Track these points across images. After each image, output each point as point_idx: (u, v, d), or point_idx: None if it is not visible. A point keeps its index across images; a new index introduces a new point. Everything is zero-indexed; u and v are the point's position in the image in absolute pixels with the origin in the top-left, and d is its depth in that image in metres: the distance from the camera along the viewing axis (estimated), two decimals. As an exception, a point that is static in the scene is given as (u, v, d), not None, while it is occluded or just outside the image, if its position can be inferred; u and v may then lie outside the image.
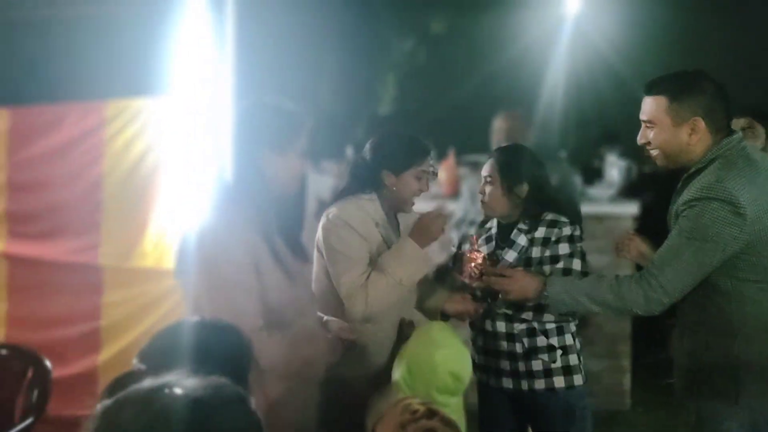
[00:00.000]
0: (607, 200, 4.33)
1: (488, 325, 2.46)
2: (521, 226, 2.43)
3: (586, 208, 4.37)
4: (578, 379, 2.44)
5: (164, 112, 3.62)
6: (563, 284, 2.21)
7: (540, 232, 2.40)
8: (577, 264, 2.38)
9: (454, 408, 2.00)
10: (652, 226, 4.63)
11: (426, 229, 2.27)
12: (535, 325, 2.39)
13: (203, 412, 0.95)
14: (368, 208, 2.32)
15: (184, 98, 3.58)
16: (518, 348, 2.41)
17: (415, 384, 2.00)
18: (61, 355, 3.45)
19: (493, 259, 2.41)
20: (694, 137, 2.07)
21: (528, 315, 2.39)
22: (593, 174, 4.69)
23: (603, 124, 6.47)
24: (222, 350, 1.41)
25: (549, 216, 2.42)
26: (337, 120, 8.08)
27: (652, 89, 2.11)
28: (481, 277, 2.32)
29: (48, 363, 2.74)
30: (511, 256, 2.42)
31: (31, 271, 3.66)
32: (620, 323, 4.35)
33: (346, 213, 2.29)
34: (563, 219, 2.41)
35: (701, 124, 2.06)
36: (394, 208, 2.40)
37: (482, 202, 2.48)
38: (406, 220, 2.45)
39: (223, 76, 3.74)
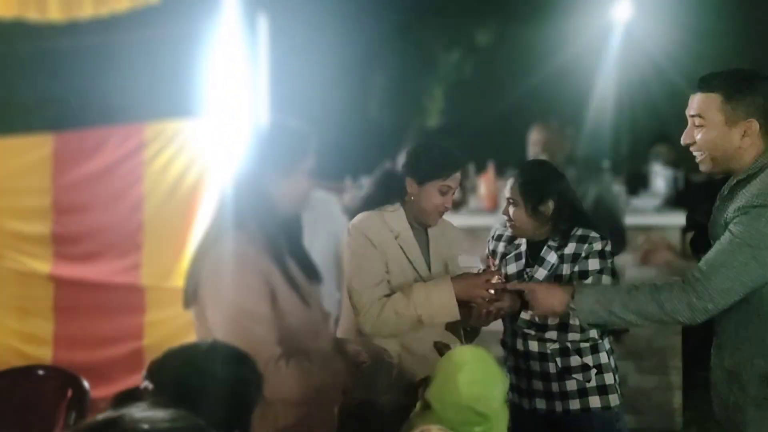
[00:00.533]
0: (653, 210, 4.19)
1: (519, 345, 2.40)
2: (551, 243, 2.36)
3: (631, 219, 4.25)
4: (614, 399, 2.36)
5: (201, 134, 3.68)
6: (594, 294, 2.07)
7: (570, 248, 2.34)
8: (606, 280, 2.31)
9: None
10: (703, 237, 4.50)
11: (472, 286, 2.22)
12: (569, 344, 2.32)
13: None
14: (389, 218, 2.31)
15: (220, 120, 3.63)
16: (551, 368, 2.34)
17: (444, 409, 1.94)
18: (105, 375, 3.52)
19: (517, 278, 2.35)
20: (746, 140, 1.95)
21: (552, 334, 2.32)
22: (640, 183, 4.54)
23: (656, 131, 6.28)
24: (229, 377, 1.40)
25: (579, 231, 2.35)
26: (384, 134, 8.10)
27: (705, 85, 1.98)
28: (495, 298, 2.25)
29: (86, 384, 2.79)
30: (541, 274, 2.35)
31: (77, 292, 3.75)
32: (670, 338, 4.19)
33: (364, 224, 2.29)
34: (593, 234, 2.34)
35: (755, 126, 1.94)
36: (418, 220, 2.35)
37: (509, 223, 2.41)
38: (444, 231, 2.42)
39: (259, 97, 3.79)
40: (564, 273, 2.33)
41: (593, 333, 2.33)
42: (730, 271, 1.90)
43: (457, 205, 4.15)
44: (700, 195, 4.66)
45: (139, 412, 0.95)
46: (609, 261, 2.34)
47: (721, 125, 1.95)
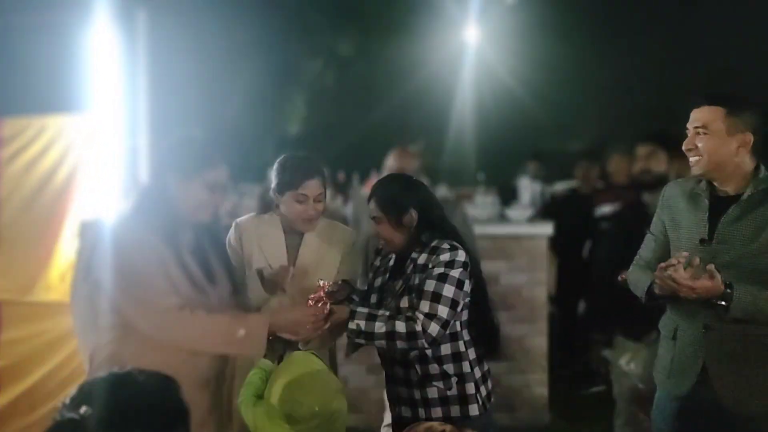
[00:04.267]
0: (524, 221, 4.43)
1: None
2: (413, 254, 2.34)
3: (504, 229, 4.47)
4: (474, 410, 2.31)
5: (72, 131, 3.39)
6: (749, 288, 2.18)
7: (422, 259, 2.30)
8: (448, 290, 2.22)
9: None
10: (566, 245, 4.84)
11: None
12: (428, 351, 2.29)
13: None
14: (262, 221, 2.55)
15: (91, 116, 3.37)
16: (413, 375, 2.32)
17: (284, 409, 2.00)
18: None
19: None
20: (741, 150, 2.21)
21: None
22: (511, 195, 4.80)
23: (512, 146, 6.67)
24: (166, 399, 1.33)
25: (435, 242, 2.30)
26: (247, 139, 7.92)
27: (710, 99, 2.24)
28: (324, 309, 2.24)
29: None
30: (399, 285, 2.34)
31: None
32: (536, 339, 4.44)
33: (234, 226, 2.55)
34: (444, 245, 2.28)
35: (750, 138, 2.20)
36: (292, 226, 2.51)
37: (380, 241, 2.43)
38: (329, 234, 2.56)
39: (130, 95, 3.56)
40: (414, 283, 2.28)
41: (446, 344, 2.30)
42: None
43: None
44: (563, 207, 5.05)
45: None
46: (455, 270, 2.24)
47: (722, 134, 2.20)
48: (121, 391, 1.28)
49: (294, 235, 2.52)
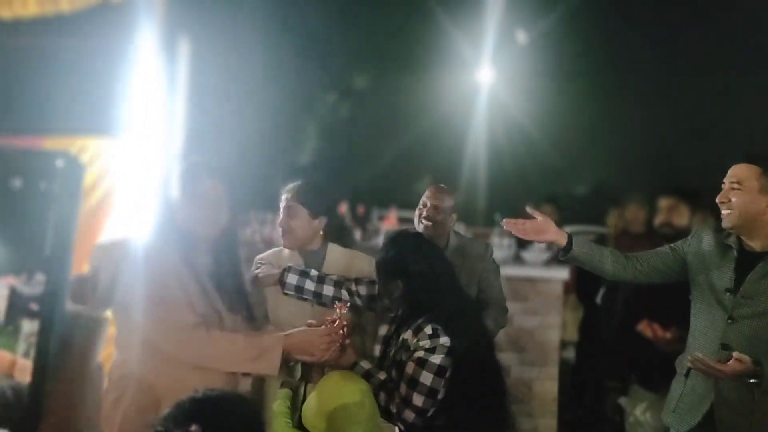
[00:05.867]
0: (541, 264, 4.48)
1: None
2: (402, 329, 2.33)
3: (520, 271, 4.52)
4: None
5: (108, 154, 3.46)
6: None
7: (407, 335, 2.29)
8: (425, 377, 2.18)
9: None
10: (583, 290, 4.86)
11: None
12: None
13: None
14: (282, 256, 2.72)
15: (130, 139, 3.44)
16: None
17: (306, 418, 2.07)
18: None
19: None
20: None
21: None
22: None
23: (524, 187, 6.74)
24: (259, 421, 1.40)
25: (420, 321, 2.27)
26: (260, 169, 7.98)
27: (748, 157, 2.39)
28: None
29: None
30: (391, 351, 2.37)
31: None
32: (546, 383, 4.46)
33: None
34: (428, 329, 2.23)
35: None
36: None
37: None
38: (348, 260, 2.71)
39: (167, 119, 3.63)
40: (401, 359, 2.27)
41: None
42: None
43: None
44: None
45: None
46: (435, 356, 2.19)
47: (755, 191, 2.36)
48: (229, 410, 1.32)
49: (313, 262, 2.67)
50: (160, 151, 3.40)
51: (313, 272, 2.57)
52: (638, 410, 3.36)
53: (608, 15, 8.51)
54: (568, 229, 5.97)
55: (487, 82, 9.50)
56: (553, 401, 4.41)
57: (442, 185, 3.07)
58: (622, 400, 3.46)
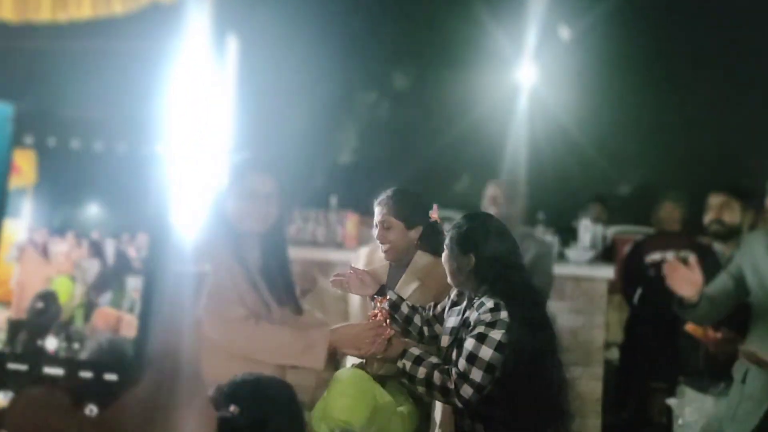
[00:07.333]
0: (585, 262, 4.44)
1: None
2: (467, 308, 2.33)
3: (564, 269, 4.48)
4: None
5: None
6: None
7: (469, 313, 2.29)
8: (484, 352, 2.16)
9: None
10: (629, 290, 4.80)
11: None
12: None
13: None
14: (368, 252, 2.87)
15: (178, 144, 3.51)
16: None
17: (317, 420, 2.12)
18: None
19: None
20: None
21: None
22: (570, 235, 4.81)
23: (566, 186, 6.68)
24: (294, 406, 1.44)
25: (483, 297, 2.26)
26: (303, 167, 8.07)
27: None
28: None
29: None
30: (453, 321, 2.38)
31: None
32: (590, 383, 4.41)
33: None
34: (489, 303, 2.23)
35: None
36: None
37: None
38: (429, 267, 2.68)
39: (222, 121, 3.70)
40: (462, 336, 2.27)
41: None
42: None
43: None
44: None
45: None
46: (495, 331, 2.18)
47: None
48: (267, 393, 1.36)
49: (398, 268, 2.69)
50: (211, 148, 3.46)
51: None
52: (687, 411, 3.30)
53: (655, 8, 8.36)
54: (613, 229, 5.93)
55: (529, 79, 9.42)
56: (597, 401, 4.37)
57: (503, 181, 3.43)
58: (671, 401, 3.41)
